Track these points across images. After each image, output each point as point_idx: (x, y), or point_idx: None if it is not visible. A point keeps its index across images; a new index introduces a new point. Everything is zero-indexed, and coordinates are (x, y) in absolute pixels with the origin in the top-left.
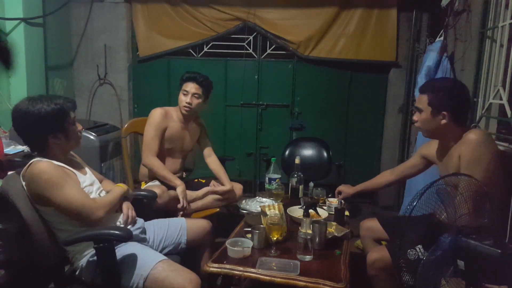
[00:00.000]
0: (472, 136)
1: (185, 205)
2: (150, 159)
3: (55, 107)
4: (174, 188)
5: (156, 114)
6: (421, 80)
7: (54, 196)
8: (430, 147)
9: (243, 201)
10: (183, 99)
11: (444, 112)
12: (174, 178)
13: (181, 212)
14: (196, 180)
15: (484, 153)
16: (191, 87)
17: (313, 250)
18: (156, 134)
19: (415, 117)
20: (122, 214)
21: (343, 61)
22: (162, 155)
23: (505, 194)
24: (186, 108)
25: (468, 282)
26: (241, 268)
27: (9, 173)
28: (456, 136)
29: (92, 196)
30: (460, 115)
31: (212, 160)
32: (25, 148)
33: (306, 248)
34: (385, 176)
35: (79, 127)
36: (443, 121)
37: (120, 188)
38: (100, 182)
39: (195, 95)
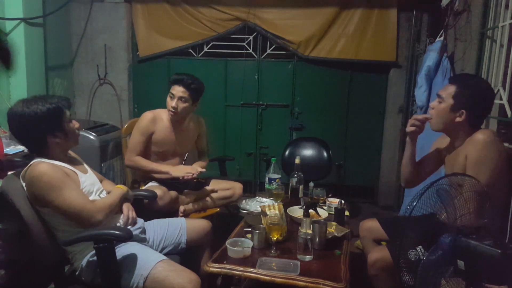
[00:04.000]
0: (479, 136)
1: (194, 174)
2: (132, 158)
3: (50, 106)
4: (174, 189)
5: (144, 118)
6: (421, 80)
7: (53, 198)
8: (441, 142)
9: (243, 201)
10: (169, 103)
11: (463, 111)
12: (162, 167)
13: (182, 213)
14: (195, 180)
15: (491, 153)
16: (177, 90)
17: (313, 250)
18: (141, 138)
19: (432, 105)
20: (122, 215)
21: (343, 61)
22: (152, 158)
23: (507, 194)
24: (171, 113)
25: (468, 282)
26: (241, 268)
27: (9, 173)
28: (465, 136)
29: (92, 196)
30: (477, 119)
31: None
32: (25, 148)
33: (306, 248)
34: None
35: (76, 124)
36: (458, 119)
37: (120, 189)
38: (100, 182)
39: (181, 99)
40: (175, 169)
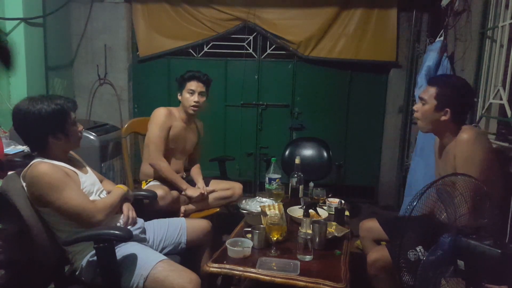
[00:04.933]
0: (464, 135)
1: (205, 193)
2: (159, 161)
3: (55, 107)
4: (176, 189)
5: (161, 113)
6: (421, 80)
7: (54, 199)
8: (435, 142)
9: (243, 201)
10: (191, 99)
11: (447, 109)
12: (181, 182)
13: (183, 213)
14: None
15: (476, 152)
16: (196, 85)
17: (313, 250)
18: (162, 133)
19: (416, 107)
20: (122, 215)
21: (343, 61)
22: (166, 155)
23: (505, 194)
24: (194, 108)
25: (468, 282)
26: (241, 268)
27: (9, 173)
28: (452, 133)
29: (92, 196)
30: (461, 115)
31: (193, 168)
32: (25, 148)
33: (306, 248)
34: None
35: (80, 127)
36: (444, 118)
37: (120, 189)
38: (100, 182)
39: (201, 93)
40: (191, 188)
